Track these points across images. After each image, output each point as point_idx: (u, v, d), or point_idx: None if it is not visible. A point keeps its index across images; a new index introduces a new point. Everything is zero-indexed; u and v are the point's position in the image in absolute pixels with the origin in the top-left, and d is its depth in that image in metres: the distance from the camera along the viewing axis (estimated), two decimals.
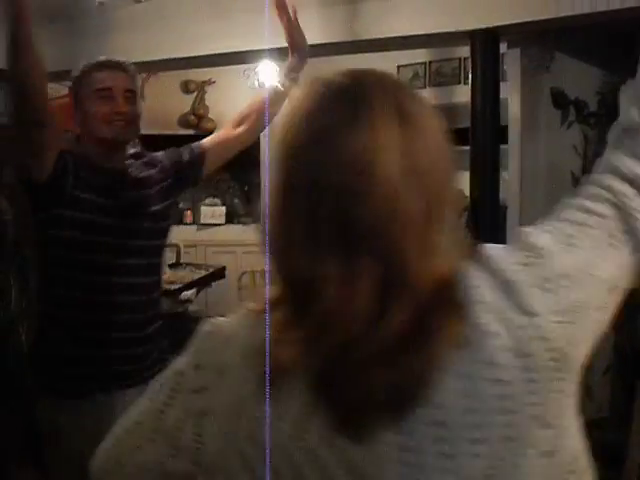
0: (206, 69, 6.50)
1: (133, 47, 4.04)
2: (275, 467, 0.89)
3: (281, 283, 0.92)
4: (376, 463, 0.85)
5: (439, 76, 7.39)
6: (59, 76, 2.76)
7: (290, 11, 2.46)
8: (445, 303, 0.85)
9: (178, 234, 7.90)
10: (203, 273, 7.05)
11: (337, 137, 0.85)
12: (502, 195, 3.37)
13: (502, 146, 3.37)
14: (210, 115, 7.81)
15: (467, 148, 3.38)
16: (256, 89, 6.58)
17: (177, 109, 7.71)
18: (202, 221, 8.01)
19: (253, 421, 0.90)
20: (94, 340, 2.32)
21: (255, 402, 0.89)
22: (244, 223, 8.08)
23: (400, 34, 3.36)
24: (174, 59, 4.12)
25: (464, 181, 3.61)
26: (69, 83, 2.45)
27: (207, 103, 7.80)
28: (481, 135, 3.28)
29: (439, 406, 0.84)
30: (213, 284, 7.18)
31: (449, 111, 7.17)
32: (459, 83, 7.09)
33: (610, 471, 3.00)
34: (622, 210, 0.91)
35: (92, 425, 2.12)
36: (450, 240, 0.88)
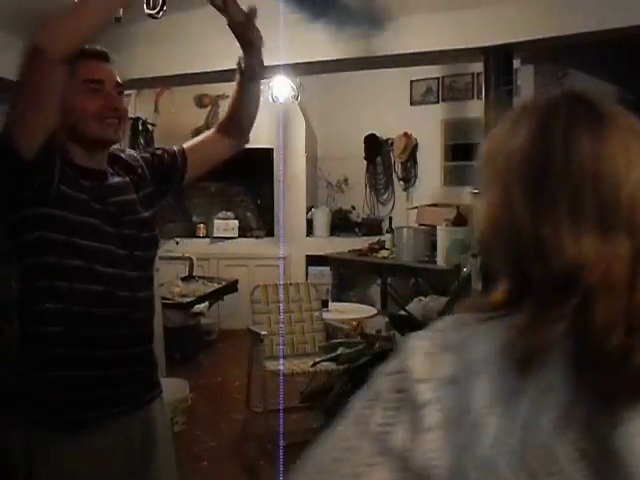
0: (220, 84, 6.54)
1: (149, 62, 4.08)
2: (532, 471, 0.84)
3: (518, 277, 0.93)
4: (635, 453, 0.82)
5: (452, 91, 7.41)
6: None
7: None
8: None
9: (191, 247, 7.96)
10: (216, 286, 7.07)
11: (588, 133, 0.91)
12: None
13: None
14: None
15: None
16: (270, 104, 6.61)
17: (191, 123, 7.75)
18: (215, 234, 8.03)
19: (499, 424, 0.86)
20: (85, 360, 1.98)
21: (505, 402, 0.86)
22: (257, 237, 8.11)
23: (413, 50, 3.38)
24: (188, 74, 4.16)
25: (477, 196, 3.61)
26: None
27: (221, 117, 7.82)
28: None
29: None
30: (225, 297, 7.19)
31: (461, 126, 7.21)
32: (472, 98, 7.11)
33: None
34: None
35: (94, 459, 1.93)
36: None
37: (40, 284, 1.94)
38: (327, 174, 8.25)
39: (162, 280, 5.97)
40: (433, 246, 6.52)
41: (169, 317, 6.11)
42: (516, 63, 3.40)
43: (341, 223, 8.00)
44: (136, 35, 3.89)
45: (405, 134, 7.55)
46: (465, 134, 7.15)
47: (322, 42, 3.53)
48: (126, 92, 2.22)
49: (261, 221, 8.40)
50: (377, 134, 7.81)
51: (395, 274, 6.94)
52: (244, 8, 2.12)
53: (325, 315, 5.45)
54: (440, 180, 7.46)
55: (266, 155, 7.80)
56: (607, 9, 2.87)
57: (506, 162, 0.95)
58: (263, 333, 4.87)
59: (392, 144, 7.73)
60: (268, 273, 6.95)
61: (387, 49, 3.41)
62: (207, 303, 6.82)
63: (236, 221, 8.13)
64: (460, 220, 6.23)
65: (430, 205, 7.08)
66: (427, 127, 7.47)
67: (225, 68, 3.99)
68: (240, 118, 2.39)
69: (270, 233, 8.11)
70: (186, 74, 4.12)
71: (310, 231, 8.01)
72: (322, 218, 7.97)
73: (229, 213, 8.23)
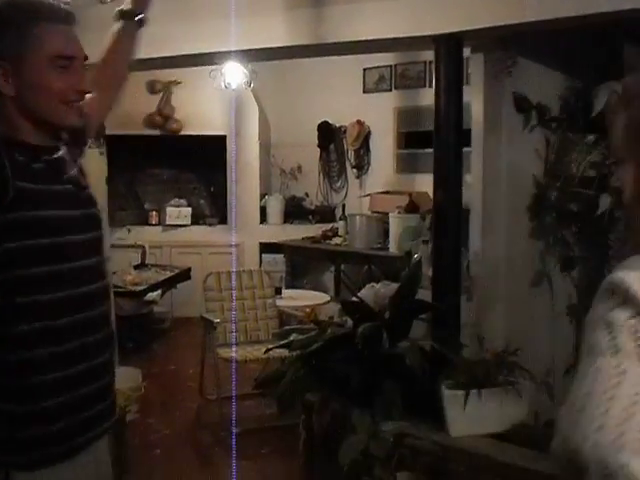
0: (172, 70, 6.48)
1: (99, 47, 4.02)
2: None
3: None
4: None
5: (404, 79, 7.45)
6: None
7: None
8: None
9: (143, 235, 7.89)
10: (168, 274, 7.03)
11: None
12: (465, 197, 3.41)
13: (465, 149, 3.42)
14: (176, 116, 7.79)
15: (431, 150, 3.43)
16: (222, 90, 6.58)
17: (143, 109, 7.68)
18: (167, 222, 7.99)
19: None
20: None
21: None
22: (210, 224, 8.08)
23: (365, 38, 3.39)
24: (140, 59, 4.10)
25: (428, 183, 3.66)
26: None
27: (173, 104, 7.78)
28: (444, 138, 3.32)
29: None
30: (178, 285, 7.16)
31: (414, 114, 7.26)
32: (424, 86, 7.15)
33: None
34: None
35: None
36: None
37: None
38: (280, 161, 8.24)
39: (114, 268, 5.92)
40: (385, 233, 6.57)
41: (121, 305, 6.07)
42: (466, 52, 3.43)
43: (294, 210, 8.01)
44: (86, 20, 3.83)
45: (358, 122, 7.58)
46: (417, 122, 7.20)
47: (274, 28, 3.52)
48: None
49: (214, 208, 8.36)
50: (330, 121, 7.82)
51: (348, 261, 6.99)
52: None
53: (278, 302, 5.47)
54: (393, 167, 7.51)
55: (219, 142, 7.76)
56: None
57: None
58: (216, 321, 4.87)
59: (345, 132, 7.75)
60: (221, 261, 6.92)
61: (339, 36, 3.41)
62: (160, 291, 6.77)
63: (189, 208, 8.09)
64: (412, 207, 6.28)
65: (383, 192, 7.13)
66: (380, 115, 7.50)
67: (177, 54, 3.97)
68: (118, 61, 2.31)
69: (223, 220, 8.09)
70: (138, 59, 4.07)
71: (264, 218, 8.01)
72: (276, 205, 7.97)
73: (182, 200, 8.18)
